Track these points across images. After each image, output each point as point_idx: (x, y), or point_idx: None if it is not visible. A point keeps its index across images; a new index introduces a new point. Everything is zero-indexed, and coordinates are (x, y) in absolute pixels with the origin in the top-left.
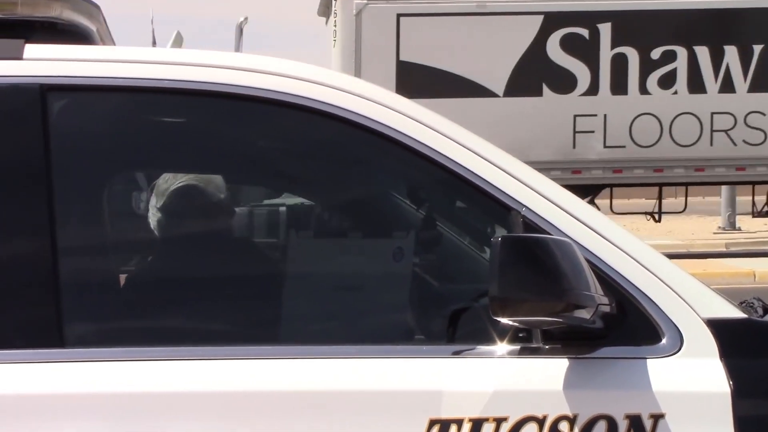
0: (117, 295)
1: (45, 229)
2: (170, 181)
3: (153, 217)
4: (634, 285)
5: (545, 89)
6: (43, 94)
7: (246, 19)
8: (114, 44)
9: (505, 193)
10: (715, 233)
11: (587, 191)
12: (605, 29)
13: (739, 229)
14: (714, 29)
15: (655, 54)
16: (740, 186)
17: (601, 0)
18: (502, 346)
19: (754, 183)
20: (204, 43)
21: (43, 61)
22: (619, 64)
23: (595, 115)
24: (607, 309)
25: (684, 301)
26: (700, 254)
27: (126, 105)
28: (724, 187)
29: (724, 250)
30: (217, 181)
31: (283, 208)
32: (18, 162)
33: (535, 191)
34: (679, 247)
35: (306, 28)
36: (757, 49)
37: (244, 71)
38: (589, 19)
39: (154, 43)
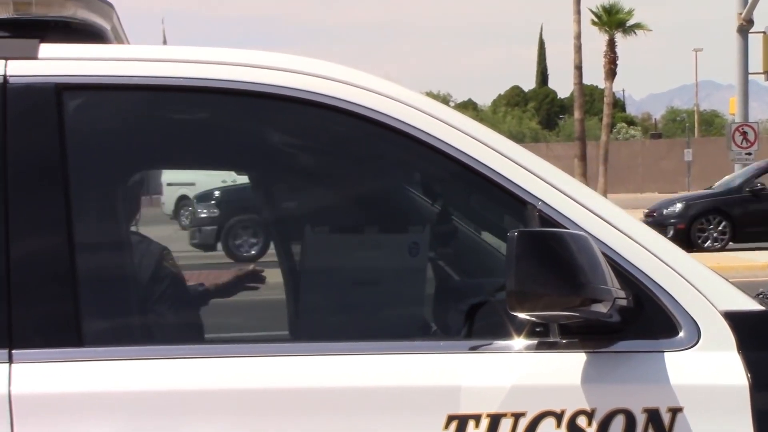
0: (135, 292)
1: (62, 227)
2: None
3: None
4: (650, 278)
5: None
6: (58, 93)
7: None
8: (128, 43)
9: (520, 187)
10: None
11: None
12: None
13: None
14: None
15: None
16: None
17: None
18: (519, 341)
19: None
20: (215, 40)
21: (58, 61)
22: None
23: None
24: (624, 303)
25: (701, 293)
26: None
27: (141, 103)
28: None
29: None
30: None
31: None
32: (34, 160)
33: (550, 185)
34: None
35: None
36: None
37: (259, 68)
38: None
39: (164, 42)
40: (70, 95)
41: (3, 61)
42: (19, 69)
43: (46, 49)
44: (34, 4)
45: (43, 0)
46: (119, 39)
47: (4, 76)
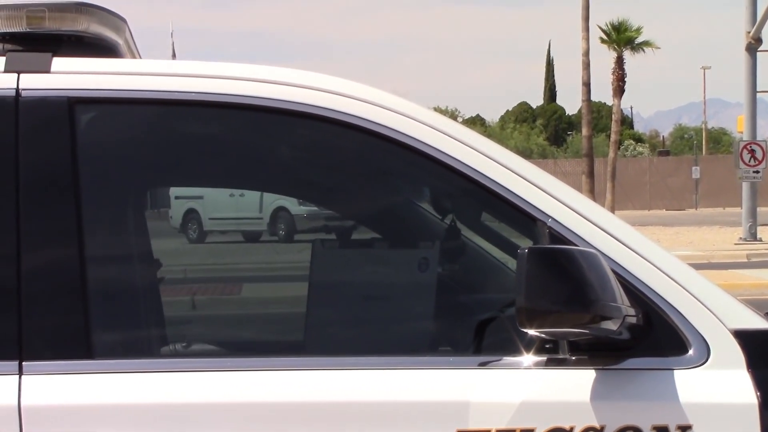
0: (145, 305)
1: (73, 240)
2: None
3: None
4: (660, 296)
5: None
6: (70, 107)
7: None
8: (140, 57)
9: (530, 204)
10: (736, 244)
11: None
12: None
13: (761, 239)
14: None
15: None
16: (762, 196)
17: None
18: (529, 357)
19: None
20: (223, 54)
21: (70, 74)
22: None
23: None
24: (633, 320)
25: (711, 311)
26: (722, 265)
27: (152, 117)
28: (744, 198)
29: (746, 260)
30: None
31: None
32: (46, 173)
33: (561, 202)
34: (699, 258)
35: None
36: None
37: (269, 83)
38: None
39: (173, 56)
40: (82, 109)
41: (16, 75)
42: (31, 82)
43: (58, 62)
44: (47, 19)
45: (55, 15)
46: (131, 53)
47: (17, 90)
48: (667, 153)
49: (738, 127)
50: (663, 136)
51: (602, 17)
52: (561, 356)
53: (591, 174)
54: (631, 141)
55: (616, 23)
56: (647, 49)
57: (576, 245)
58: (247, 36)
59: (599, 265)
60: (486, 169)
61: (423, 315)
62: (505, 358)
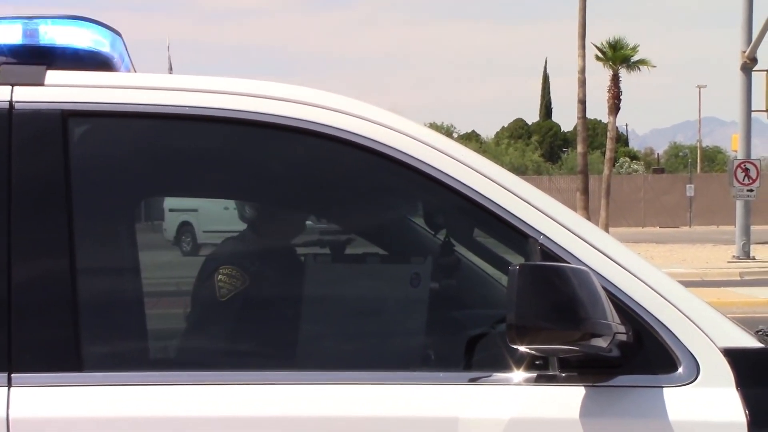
0: (136, 317)
1: (64, 252)
2: None
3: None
4: (650, 314)
5: None
6: (64, 120)
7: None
8: (134, 71)
9: (522, 220)
10: (729, 262)
11: None
12: None
13: (754, 258)
14: None
15: None
16: (755, 215)
17: None
18: (519, 374)
19: None
20: (219, 68)
21: (64, 87)
22: None
23: None
24: (623, 337)
25: (701, 330)
26: (715, 283)
27: (146, 131)
28: (738, 216)
29: (738, 279)
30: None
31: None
32: (39, 186)
33: (552, 219)
34: (693, 275)
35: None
36: None
37: (263, 98)
38: None
39: (170, 70)
40: (75, 122)
41: (9, 88)
42: (25, 95)
43: (52, 75)
44: (42, 32)
45: (50, 27)
46: (126, 67)
47: (11, 102)
48: (661, 171)
49: (732, 145)
50: (658, 154)
51: (599, 35)
52: (551, 373)
53: (586, 191)
54: (626, 158)
55: (613, 41)
56: (643, 68)
57: (567, 262)
58: (243, 51)
59: (590, 283)
60: (479, 185)
61: (414, 330)
62: (495, 374)
